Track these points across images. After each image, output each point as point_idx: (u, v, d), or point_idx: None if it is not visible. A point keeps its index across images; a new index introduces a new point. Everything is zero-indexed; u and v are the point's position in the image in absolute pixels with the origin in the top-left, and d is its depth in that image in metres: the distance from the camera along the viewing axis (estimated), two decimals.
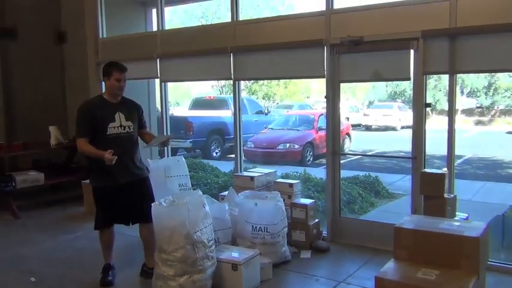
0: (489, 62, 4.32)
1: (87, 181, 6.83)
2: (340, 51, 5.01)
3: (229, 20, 5.89)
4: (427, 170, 4.24)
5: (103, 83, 4.34)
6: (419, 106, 4.69)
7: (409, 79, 4.73)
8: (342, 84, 5.26)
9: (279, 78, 16.23)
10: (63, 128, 7.68)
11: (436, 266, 2.98)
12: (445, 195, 3.96)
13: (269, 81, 24.53)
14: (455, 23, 4.35)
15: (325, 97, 5.25)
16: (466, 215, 4.21)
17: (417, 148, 4.73)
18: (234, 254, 4.08)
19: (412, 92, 4.78)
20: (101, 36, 7.14)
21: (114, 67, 4.03)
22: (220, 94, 21.29)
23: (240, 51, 5.69)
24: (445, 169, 4.34)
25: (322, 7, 5.10)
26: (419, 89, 4.65)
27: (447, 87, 4.60)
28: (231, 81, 5.91)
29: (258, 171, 5.74)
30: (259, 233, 4.45)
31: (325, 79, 5.15)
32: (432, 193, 3.97)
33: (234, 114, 5.97)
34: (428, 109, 4.89)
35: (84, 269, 4.62)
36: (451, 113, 4.54)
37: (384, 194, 7.96)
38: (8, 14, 7.63)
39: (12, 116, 7.75)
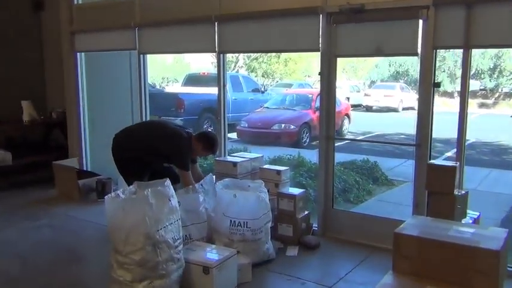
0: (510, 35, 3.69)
1: (59, 161, 6.41)
2: (338, 20, 4.39)
3: None
4: (435, 162, 3.64)
5: (191, 138, 4.35)
6: (427, 86, 4.06)
7: (416, 54, 4.09)
8: (342, 61, 4.64)
9: (268, 52, 15.54)
10: (40, 103, 7.08)
11: (445, 283, 2.44)
12: (455, 192, 3.37)
13: (268, 58, 23.74)
14: None
15: (319, 73, 4.64)
16: (478, 213, 3.63)
17: (422, 134, 4.13)
18: (207, 254, 3.52)
19: (419, 69, 4.14)
20: (75, 2, 6.46)
21: (216, 149, 4.45)
22: None
23: (225, 20, 5.06)
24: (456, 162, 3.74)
25: None
26: (428, 66, 4.01)
27: (459, 65, 3.99)
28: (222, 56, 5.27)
29: (243, 156, 5.16)
30: (238, 229, 3.89)
31: (319, 53, 4.53)
32: (440, 189, 3.37)
33: (218, 91, 5.34)
34: None
35: (38, 268, 4.03)
36: (463, 94, 3.92)
37: (383, 181, 7.36)
38: None
39: None
